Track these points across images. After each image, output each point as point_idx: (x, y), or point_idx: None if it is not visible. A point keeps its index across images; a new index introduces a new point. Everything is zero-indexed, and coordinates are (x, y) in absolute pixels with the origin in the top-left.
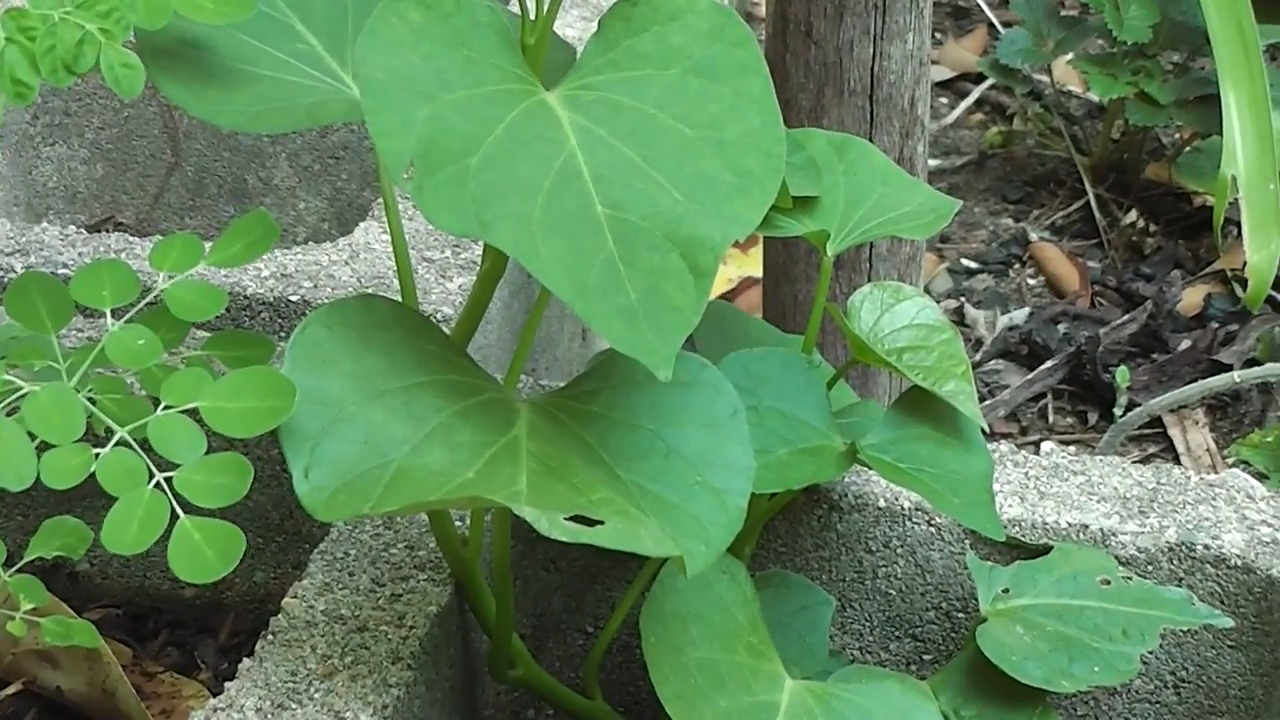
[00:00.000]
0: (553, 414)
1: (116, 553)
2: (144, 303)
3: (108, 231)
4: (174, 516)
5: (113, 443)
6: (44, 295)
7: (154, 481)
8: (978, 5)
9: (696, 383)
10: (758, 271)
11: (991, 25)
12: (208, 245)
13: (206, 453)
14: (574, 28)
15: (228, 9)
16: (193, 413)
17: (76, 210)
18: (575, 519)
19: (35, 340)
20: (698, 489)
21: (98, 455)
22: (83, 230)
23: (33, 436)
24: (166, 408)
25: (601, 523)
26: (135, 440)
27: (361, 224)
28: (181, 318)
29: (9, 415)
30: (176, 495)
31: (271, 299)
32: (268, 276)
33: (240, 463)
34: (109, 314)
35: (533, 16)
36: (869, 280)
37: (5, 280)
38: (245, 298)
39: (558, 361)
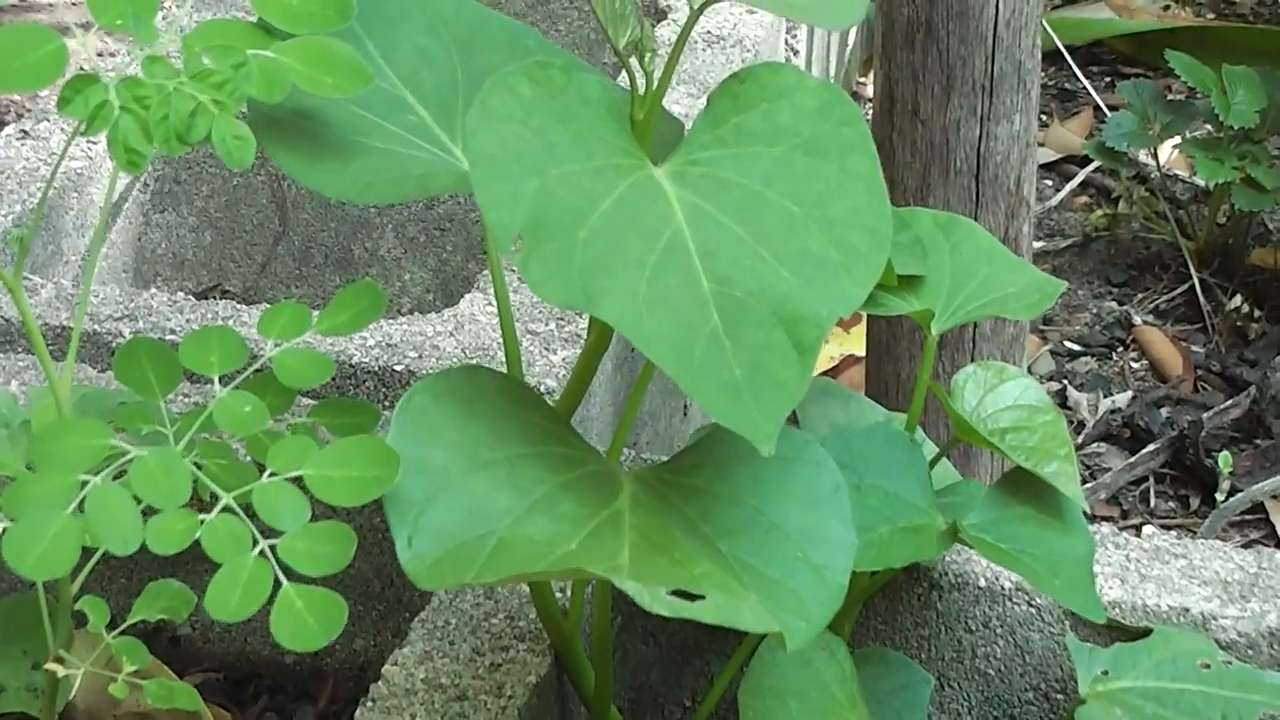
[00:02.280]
0: (655, 487)
1: (219, 619)
2: (251, 370)
3: (215, 299)
4: (276, 583)
5: (218, 509)
6: (152, 360)
7: (258, 549)
8: (1084, 88)
9: (799, 459)
10: (860, 349)
11: (1098, 108)
12: (315, 314)
13: (310, 520)
14: (680, 104)
15: (345, 83)
16: (297, 480)
17: (184, 277)
18: (676, 593)
19: (143, 405)
20: (799, 565)
21: (203, 521)
22: (190, 297)
23: (138, 501)
24: (271, 474)
25: (702, 597)
26: (240, 506)
27: (466, 296)
28: (288, 385)
29: (115, 479)
30: (280, 562)
31: (376, 368)
32: (373, 346)
33: (344, 532)
34: (216, 380)
35: (641, 92)
36: (972, 360)
37: (113, 345)
38: (350, 366)
39: (659, 436)
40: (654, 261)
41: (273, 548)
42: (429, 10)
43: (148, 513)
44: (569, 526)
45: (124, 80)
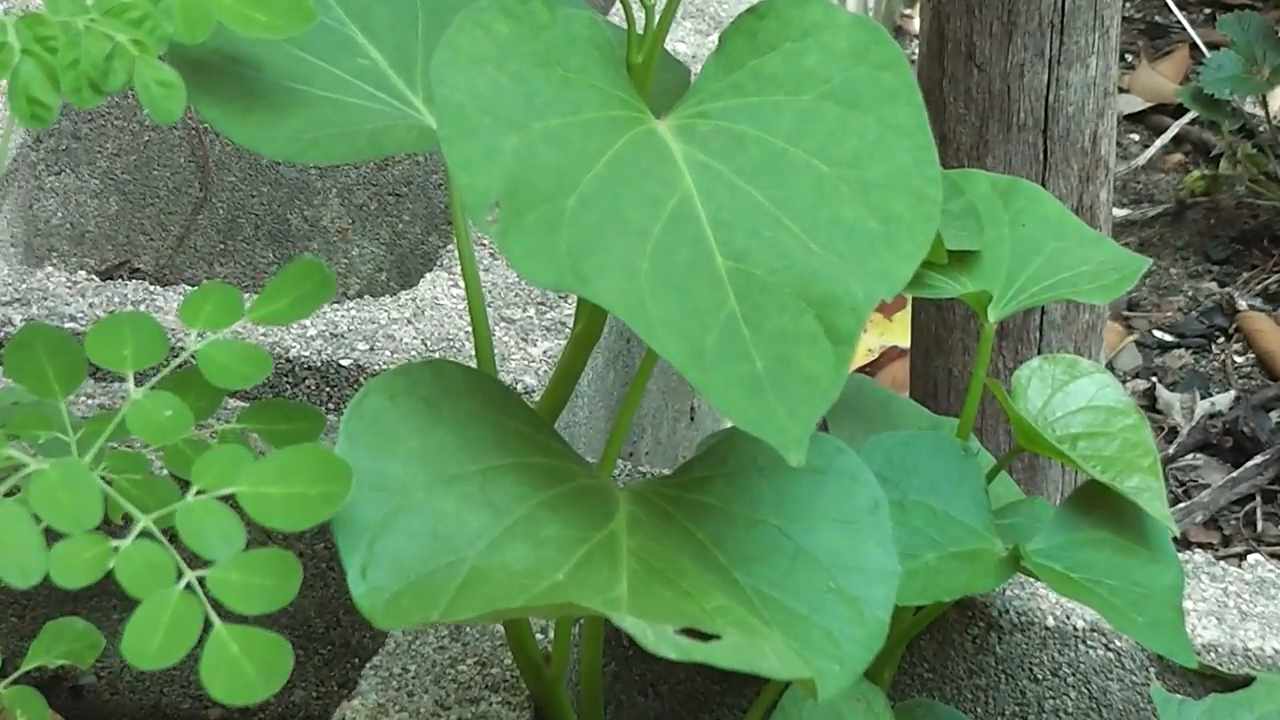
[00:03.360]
0: (657, 505)
1: (138, 666)
2: (171, 366)
3: (123, 279)
4: (206, 622)
5: (134, 533)
6: (51, 353)
7: (184, 581)
8: (1177, 23)
9: (830, 470)
10: (903, 341)
11: (1194, 47)
12: (248, 299)
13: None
14: (686, 43)
15: (282, 22)
16: (229, 499)
17: (85, 253)
18: (686, 632)
19: (40, 407)
20: (830, 598)
21: (116, 548)
22: (93, 277)
23: (39, 521)
24: (199, 492)
25: (717, 636)
26: (160, 530)
27: (427, 275)
28: (216, 384)
29: (9, 496)
30: (209, 598)
31: (319, 363)
32: (314, 336)
33: (286, 560)
34: (130, 378)
35: (640, 30)
36: (1039, 353)
37: (1, 335)
38: (288, 361)
39: (660, 445)
40: (658, 233)
41: (201, 580)
42: None
43: (50, 538)
44: (555, 553)
45: (24, 18)
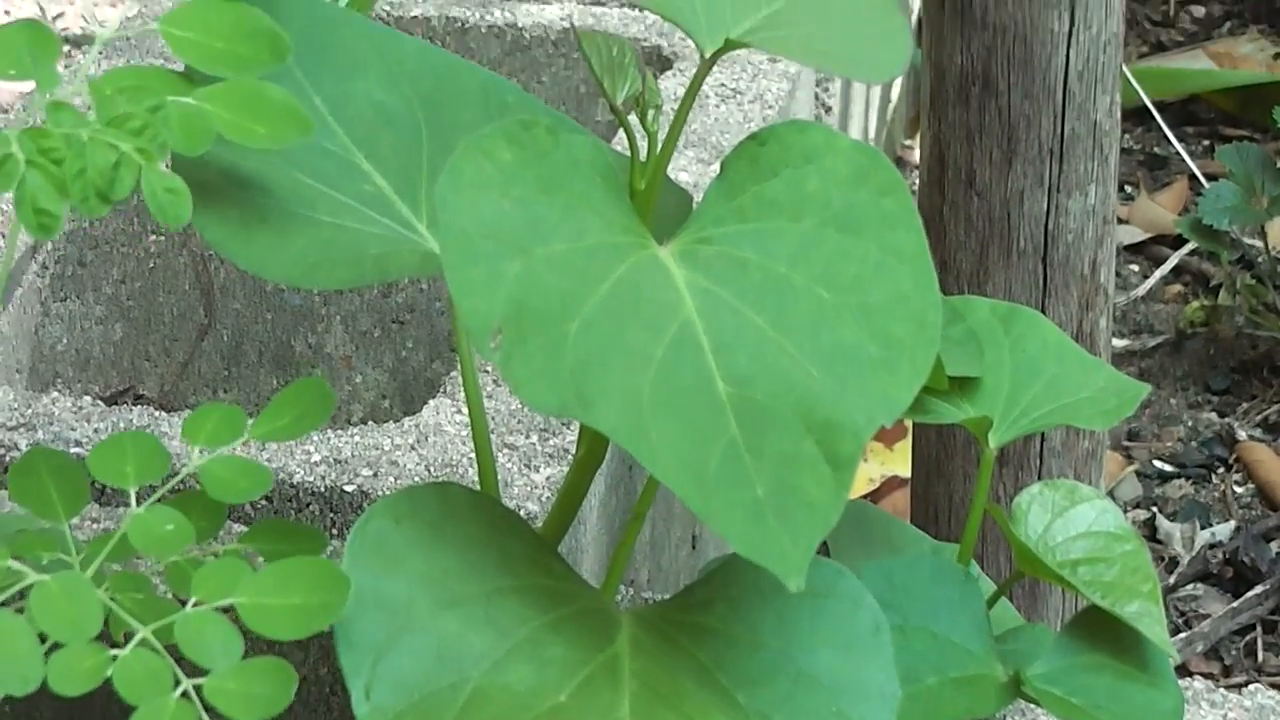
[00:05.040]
0: (660, 628)
1: None
2: (172, 483)
3: (128, 404)
4: None
5: (134, 642)
6: (54, 475)
7: (180, 689)
8: (1177, 153)
9: (832, 594)
10: (904, 470)
11: (1193, 177)
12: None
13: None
14: (688, 171)
15: (281, 132)
16: (228, 611)
17: (90, 378)
18: None
19: (44, 531)
20: None
21: (115, 657)
22: (98, 402)
23: (43, 639)
24: (198, 603)
25: None
26: (160, 643)
27: (430, 402)
28: (219, 498)
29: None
30: (206, 707)
31: (323, 489)
32: (318, 462)
33: (282, 668)
34: (132, 495)
35: (643, 156)
36: (1039, 479)
37: (7, 459)
38: (291, 486)
39: (662, 571)
40: (660, 358)
41: (198, 688)
42: (388, 58)
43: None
44: (558, 674)
45: (26, 131)
